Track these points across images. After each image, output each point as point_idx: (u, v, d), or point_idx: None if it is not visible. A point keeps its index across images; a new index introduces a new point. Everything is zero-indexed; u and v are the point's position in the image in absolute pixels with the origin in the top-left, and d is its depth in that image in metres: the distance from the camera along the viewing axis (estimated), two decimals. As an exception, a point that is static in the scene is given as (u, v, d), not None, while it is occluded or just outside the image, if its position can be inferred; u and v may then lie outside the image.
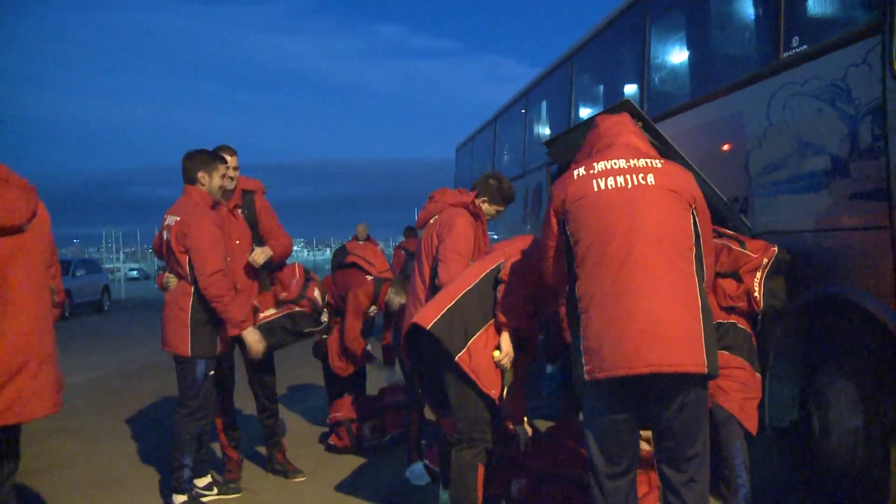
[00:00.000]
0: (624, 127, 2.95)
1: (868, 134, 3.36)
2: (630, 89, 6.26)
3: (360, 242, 6.94)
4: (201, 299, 4.09)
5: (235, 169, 4.60)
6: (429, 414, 4.52)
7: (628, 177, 2.69)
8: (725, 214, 4.23)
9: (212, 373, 4.18)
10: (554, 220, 2.81)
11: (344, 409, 5.46)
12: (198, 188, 4.19)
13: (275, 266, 4.78)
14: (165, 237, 4.14)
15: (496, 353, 3.31)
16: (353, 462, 5.15)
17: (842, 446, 3.65)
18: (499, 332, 3.33)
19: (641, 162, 2.73)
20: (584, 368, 2.59)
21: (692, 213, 2.69)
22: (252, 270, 4.57)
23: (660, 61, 5.72)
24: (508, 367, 3.35)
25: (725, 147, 4.52)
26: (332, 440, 5.46)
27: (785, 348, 3.95)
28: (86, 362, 9.81)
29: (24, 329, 2.85)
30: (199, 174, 4.18)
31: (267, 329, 4.50)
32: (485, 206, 4.24)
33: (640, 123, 4.13)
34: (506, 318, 3.30)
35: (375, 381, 5.83)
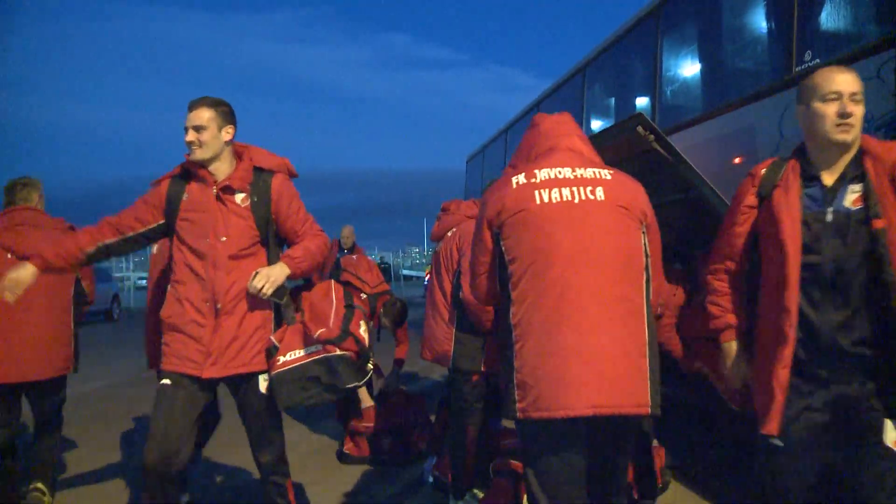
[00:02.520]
0: (567, 127, 2.65)
1: (881, 148, 3.37)
2: (641, 102, 6.28)
3: (353, 256, 6.95)
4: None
5: (196, 129, 3.12)
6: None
7: (575, 189, 2.36)
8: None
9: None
10: (487, 234, 2.49)
11: (368, 419, 5.36)
12: None
13: (303, 282, 3.39)
14: None
15: None
16: (364, 470, 5.13)
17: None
18: None
19: (589, 172, 2.42)
20: (517, 405, 2.30)
21: (643, 232, 2.40)
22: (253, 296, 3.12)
23: (672, 74, 5.74)
24: None
25: (737, 160, 4.53)
26: (347, 448, 5.38)
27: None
28: (97, 371, 9.85)
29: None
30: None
31: (291, 380, 3.12)
32: None
33: (651, 137, 4.15)
34: None
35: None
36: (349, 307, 3.29)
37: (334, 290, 3.34)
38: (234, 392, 3.26)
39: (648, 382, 2.30)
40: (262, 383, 3.19)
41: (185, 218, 3.15)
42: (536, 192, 2.37)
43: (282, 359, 3.13)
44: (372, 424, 5.34)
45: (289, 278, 3.16)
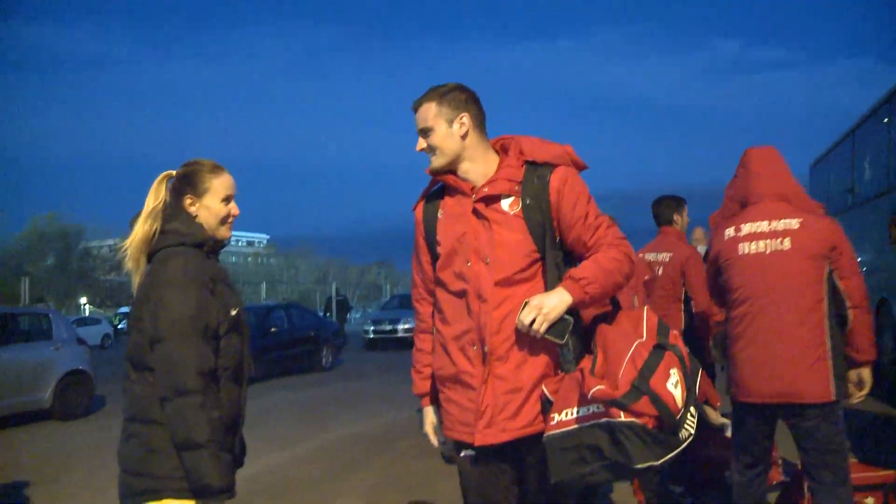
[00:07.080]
0: (772, 171, 3.28)
1: None
2: None
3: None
4: None
5: (423, 133, 2.46)
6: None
7: (767, 242, 3.12)
8: None
9: None
10: (712, 268, 3.46)
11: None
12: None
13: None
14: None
15: None
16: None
17: None
18: None
19: (780, 224, 3.11)
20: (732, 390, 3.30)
21: (827, 264, 3.07)
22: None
23: None
24: None
25: None
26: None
27: None
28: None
29: None
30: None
31: (564, 448, 2.23)
32: None
33: None
34: None
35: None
36: (658, 348, 2.23)
37: (646, 323, 2.33)
38: (514, 465, 2.47)
39: (830, 375, 3.02)
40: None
41: (441, 241, 2.47)
42: (739, 245, 3.21)
43: (556, 417, 2.28)
44: None
45: (573, 308, 2.29)
